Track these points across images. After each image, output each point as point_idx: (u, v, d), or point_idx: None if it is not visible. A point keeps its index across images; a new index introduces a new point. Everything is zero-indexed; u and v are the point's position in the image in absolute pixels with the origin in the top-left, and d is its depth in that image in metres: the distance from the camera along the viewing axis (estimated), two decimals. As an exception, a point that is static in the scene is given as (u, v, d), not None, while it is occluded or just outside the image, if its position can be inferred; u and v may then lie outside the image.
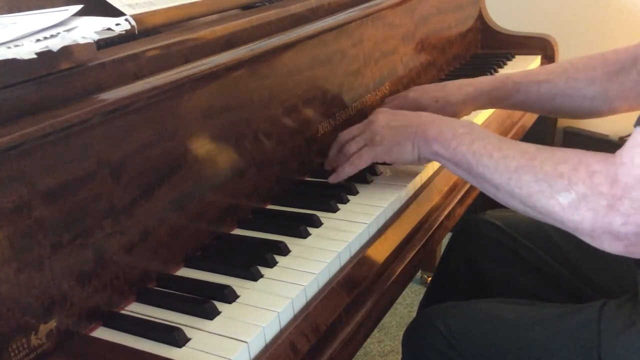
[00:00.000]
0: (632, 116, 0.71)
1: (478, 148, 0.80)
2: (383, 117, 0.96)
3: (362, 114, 1.20)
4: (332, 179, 0.98)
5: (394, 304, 1.12)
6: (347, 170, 0.96)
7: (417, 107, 1.11)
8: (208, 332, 0.68)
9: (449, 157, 0.85)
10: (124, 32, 0.69)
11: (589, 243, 0.70)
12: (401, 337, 0.98)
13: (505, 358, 0.85)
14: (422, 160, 0.93)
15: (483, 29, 1.76)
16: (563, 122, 2.27)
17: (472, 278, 1.10)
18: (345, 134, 1.01)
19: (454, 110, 1.12)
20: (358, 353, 0.84)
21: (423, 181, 1.04)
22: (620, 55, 1.03)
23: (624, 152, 0.66)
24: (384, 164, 1.02)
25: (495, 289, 1.07)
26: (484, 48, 1.77)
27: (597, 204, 0.66)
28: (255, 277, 0.77)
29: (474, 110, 1.17)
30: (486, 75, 1.50)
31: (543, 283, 1.03)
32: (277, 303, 0.72)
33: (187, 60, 0.82)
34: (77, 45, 0.66)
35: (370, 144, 0.96)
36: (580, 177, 0.68)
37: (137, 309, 0.74)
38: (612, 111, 1.05)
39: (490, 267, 1.08)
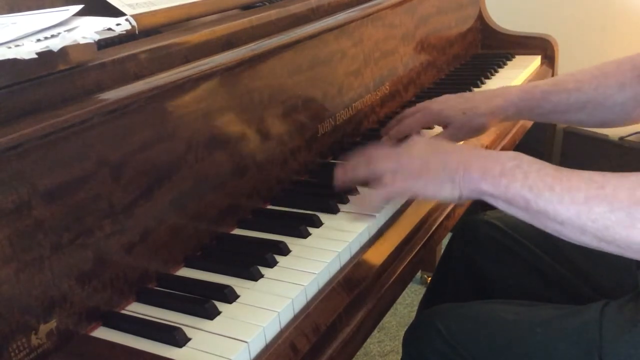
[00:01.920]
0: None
1: (534, 182, 0.72)
2: (420, 148, 0.86)
3: (363, 114, 1.21)
4: (357, 210, 0.90)
5: (394, 304, 1.12)
6: (376, 200, 0.88)
7: (443, 120, 1.08)
8: (208, 332, 0.68)
9: (500, 195, 0.76)
10: (124, 32, 0.69)
11: None
12: (401, 337, 0.98)
13: (505, 359, 0.85)
14: (463, 199, 0.82)
15: (483, 29, 1.76)
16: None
17: (472, 278, 1.10)
18: (375, 156, 0.89)
19: (482, 122, 1.07)
20: (358, 353, 0.84)
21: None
22: None
23: None
24: None
25: (496, 289, 1.07)
26: (484, 48, 1.77)
27: None
28: (256, 277, 0.77)
29: (503, 121, 1.11)
30: (487, 75, 1.51)
31: (543, 284, 1.03)
32: (277, 303, 0.72)
33: (187, 60, 0.82)
34: (78, 45, 0.66)
35: (404, 174, 0.84)
36: None
37: (137, 309, 0.74)
38: None
39: (490, 268, 1.08)
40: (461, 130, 1.07)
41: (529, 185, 0.72)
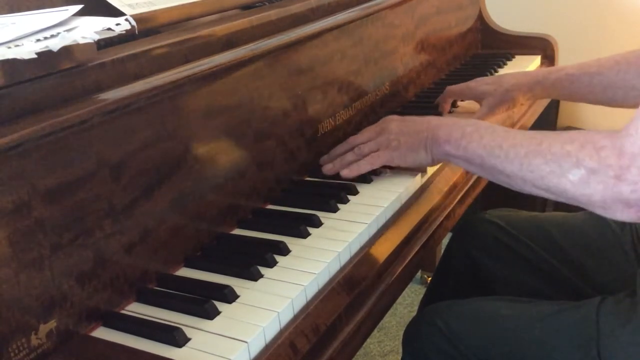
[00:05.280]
0: (631, 115, 0.72)
1: (487, 142, 0.84)
2: (395, 125, 1.00)
3: (362, 113, 1.21)
4: (346, 173, 0.99)
5: (394, 304, 1.12)
6: (363, 167, 0.99)
7: (478, 94, 1.25)
8: (208, 332, 0.68)
9: (461, 155, 0.88)
10: (124, 32, 0.69)
11: (602, 215, 0.73)
12: (401, 337, 0.98)
13: (505, 356, 0.85)
14: (436, 162, 0.97)
15: (483, 29, 1.76)
16: (563, 122, 2.27)
17: (472, 277, 1.10)
18: (357, 138, 1.04)
19: (512, 96, 1.21)
20: (358, 353, 0.84)
21: (423, 181, 1.04)
22: None
23: (630, 125, 0.69)
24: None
25: (496, 287, 1.07)
26: (484, 48, 1.77)
27: (605, 175, 0.69)
28: (255, 277, 0.77)
29: (531, 99, 1.25)
30: (486, 75, 1.51)
31: (543, 281, 1.03)
32: (277, 303, 0.72)
33: (187, 60, 0.82)
34: (77, 45, 0.66)
35: (385, 149, 0.99)
36: (588, 154, 0.71)
37: (137, 309, 0.74)
38: None
39: (490, 266, 1.08)
40: (494, 103, 1.22)
41: (483, 145, 0.84)
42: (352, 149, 1.02)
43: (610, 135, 0.71)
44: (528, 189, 0.80)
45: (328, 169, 1.02)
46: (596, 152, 0.70)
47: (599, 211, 0.73)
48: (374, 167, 1.00)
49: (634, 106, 1.10)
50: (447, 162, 0.98)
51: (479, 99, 1.25)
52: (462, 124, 0.90)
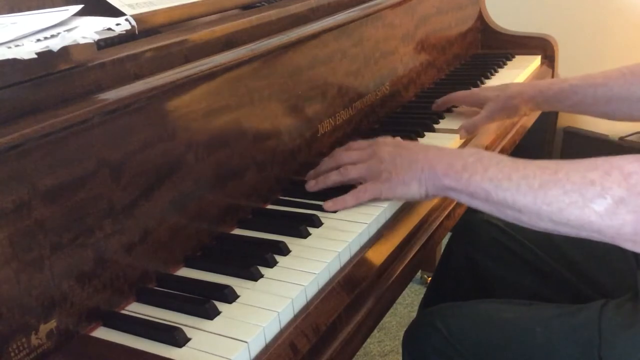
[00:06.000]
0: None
1: (494, 174, 0.76)
2: (388, 152, 0.91)
3: (363, 113, 1.21)
4: (329, 207, 0.91)
5: (394, 304, 1.12)
6: (349, 202, 0.91)
7: (481, 99, 1.22)
8: (208, 332, 0.68)
9: (463, 189, 0.80)
10: (124, 32, 0.69)
11: (630, 249, 0.68)
12: (401, 337, 0.98)
13: (505, 358, 0.85)
14: (430, 197, 0.88)
15: (483, 29, 1.76)
16: (563, 122, 2.27)
17: (472, 278, 1.10)
18: (344, 156, 0.96)
19: (514, 104, 1.18)
20: (358, 353, 0.84)
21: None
22: None
23: None
24: None
25: (495, 289, 1.07)
26: (484, 48, 1.77)
27: (636, 205, 0.64)
28: (256, 277, 0.77)
29: (533, 109, 1.22)
30: (487, 75, 1.51)
31: (543, 283, 1.03)
32: (277, 303, 0.72)
33: (187, 60, 0.82)
34: (77, 45, 0.66)
35: (374, 180, 0.91)
36: (615, 181, 0.65)
37: (137, 309, 0.74)
38: None
39: (490, 267, 1.08)
40: (495, 109, 1.20)
41: (489, 177, 0.77)
42: (338, 167, 0.95)
43: (638, 159, 0.65)
44: (544, 225, 0.73)
45: (311, 186, 0.97)
46: (624, 178, 0.65)
47: (628, 245, 0.67)
48: (360, 202, 0.92)
49: (638, 119, 1.10)
50: (445, 197, 0.91)
51: (480, 104, 1.24)
52: (464, 155, 0.82)
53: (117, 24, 0.67)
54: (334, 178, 0.95)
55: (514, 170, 0.75)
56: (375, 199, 0.91)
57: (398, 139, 0.98)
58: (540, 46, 1.69)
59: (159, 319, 0.71)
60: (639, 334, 0.76)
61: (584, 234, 0.71)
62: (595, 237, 0.70)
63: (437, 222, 0.99)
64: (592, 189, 0.67)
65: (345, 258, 0.83)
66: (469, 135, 1.18)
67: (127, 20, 0.68)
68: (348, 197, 0.91)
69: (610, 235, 0.67)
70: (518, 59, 1.67)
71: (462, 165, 0.81)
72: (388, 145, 0.93)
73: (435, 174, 0.84)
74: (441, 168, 0.83)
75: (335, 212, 0.91)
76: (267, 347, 0.68)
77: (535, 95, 1.18)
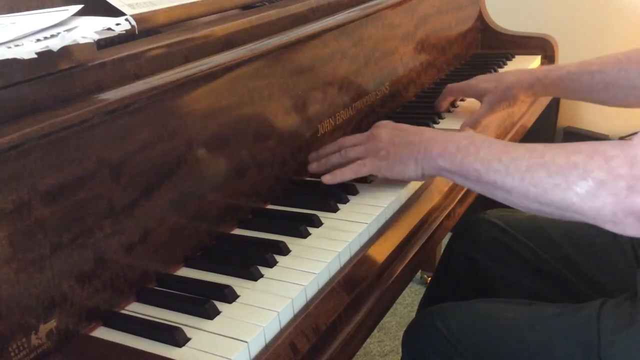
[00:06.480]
0: (632, 116, 0.71)
1: (485, 155, 0.80)
2: (386, 133, 0.95)
3: (363, 113, 1.21)
4: (328, 179, 0.95)
5: (394, 304, 1.12)
6: (347, 174, 0.95)
7: (479, 91, 1.24)
8: (208, 332, 0.68)
9: (456, 170, 0.84)
10: (124, 32, 0.69)
11: (611, 230, 0.69)
12: (401, 337, 0.98)
13: (505, 357, 0.85)
14: (425, 177, 0.93)
15: (483, 29, 1.76)
16: (563, 122, 2.27)
17: (472, 278, 1.10)
18: (346, 140, 1.00)
19: (512, 93, 1.20)
20: (358, 353, 0.84)
21: (423, 181, 1.04)
22: None
23: None
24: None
25: (495, 288, 1.07)
26: (484, 48, 1.77)
27: (616, 187, 0.66)
28: (255, 277, 0.77)
29: (531, 97, 1.24)
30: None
31: (543, 283, 1.03)
32: (277, 303, 0.72)
33: (187, 60, 0.82)
34: (77, 45, 0.66)
35: (373, 157, 0.94)
36: (596, 164, 0.67)
37: (137, 309, 0.74)
38: None
39: (490, 267, 1.08)
40: (495, 101, 1.21)
41: (480, 159, 0.80)
42: (339, 150, 0.99)
43: (621, 145, 0.67)
44: (530, 205, 0.76)
45: (313, 167, 1.01)
46: (605, 162, 0.67)
47: (609, 226, 0.69)
48: (358, 176, 0.95)
49: (635, 106, 1.11)
50: (439, 177, 0.94)
51: (479, 96, 1.25)
52: (458, 137, 0.86)
53: (117, 24, 0.67)
54: (334, 160, 0.98)
55: (504, 152, 0.78)
56: (373, 173, 0.96)
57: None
58: (540, 46, 1.69)
59: (159, 318, 0.71)
60: (638, 333, 0.76)
61: (567, 215, 0.73)
62: (578, 217, 0.72)
63: (437, 222, 0.99)
64: (575, 172, 0.69)
65: (345, 258, 0.83)
66: None
67: (127, 20, 0.68)
68: (346, 170, 0.95)
69: (592, 217, 0.70)
70: (518, 59, 1.66)
71: (455, 147, 0.84)
72: (387, 127, 0.97)
73: (430, 154, 0.88)
74: (436, 149, 0.87)
75: (333, 185, 0.95)
76: (267, 347, 0.68)
77: (534, 83, 1.19)
